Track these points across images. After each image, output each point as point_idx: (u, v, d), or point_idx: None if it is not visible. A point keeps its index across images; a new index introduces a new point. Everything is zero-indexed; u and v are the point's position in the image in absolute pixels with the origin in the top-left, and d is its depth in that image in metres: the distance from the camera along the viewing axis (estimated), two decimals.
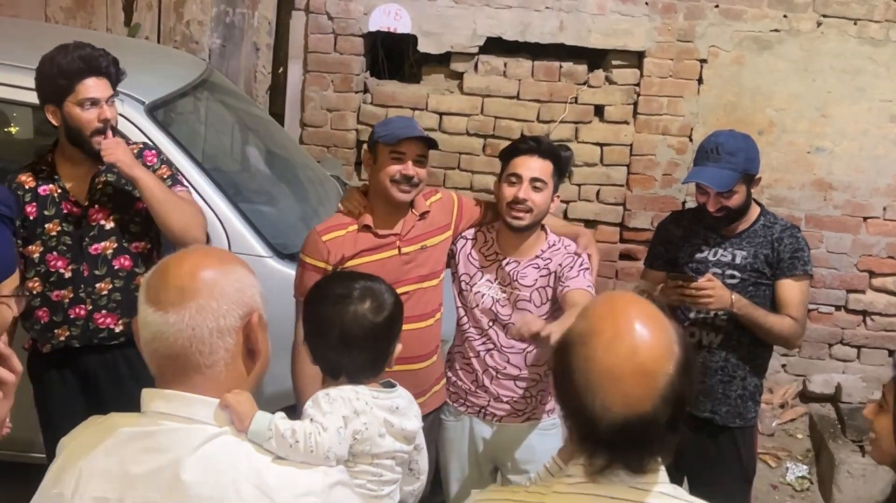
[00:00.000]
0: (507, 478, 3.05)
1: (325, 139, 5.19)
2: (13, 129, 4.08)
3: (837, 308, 5.11)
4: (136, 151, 3.00)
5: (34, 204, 2.96)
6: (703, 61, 4.97)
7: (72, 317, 2.98)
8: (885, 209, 5.01)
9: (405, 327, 2.28)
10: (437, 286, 2.95)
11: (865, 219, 5.03)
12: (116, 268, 2.99)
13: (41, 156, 3.05)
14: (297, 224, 3.85)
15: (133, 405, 1.48)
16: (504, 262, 2.95)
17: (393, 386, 2.20)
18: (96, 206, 2.98)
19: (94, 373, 3.04)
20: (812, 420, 4.88)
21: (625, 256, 5.19)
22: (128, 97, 3.33)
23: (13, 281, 2.63)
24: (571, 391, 1.40)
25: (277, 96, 5.30)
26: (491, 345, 2.96)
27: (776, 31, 4.91)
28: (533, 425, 3.01)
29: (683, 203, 5.02)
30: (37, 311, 2.98)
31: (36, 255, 2.96)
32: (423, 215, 2.92)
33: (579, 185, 5.11)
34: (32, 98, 3.00)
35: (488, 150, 5.05)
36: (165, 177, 3.02)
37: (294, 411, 2.06)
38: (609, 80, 5.05)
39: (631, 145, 5.07)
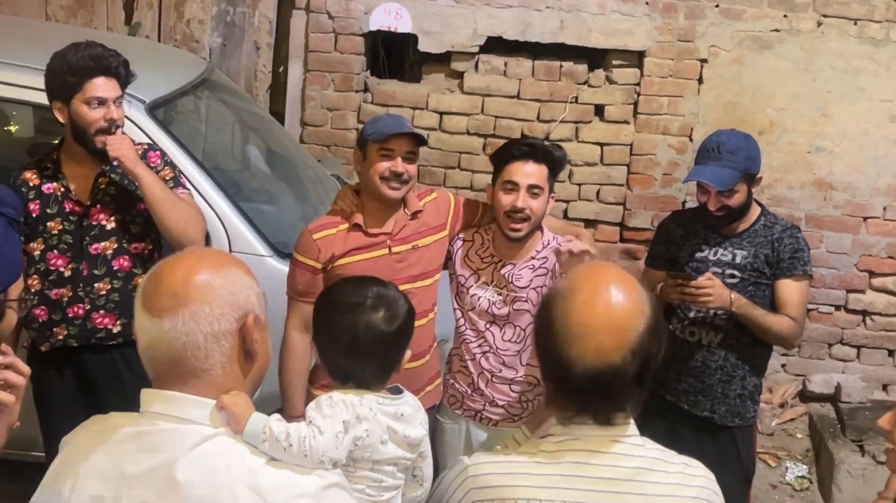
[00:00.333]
0: None
1: (325, 138, 5.19)
2: (13, 128, 4.08)
3: (837, 308, 5.11)
4: (140, 152, 2.99)
5: (37, 201, 2.96)
6: (703, 61, 4.97)
7: (70, 316, 2.98)
8: (885, 209, 5.01)
9: None
10: (430, 286, 2.93)
11: (865, 219, 5.03)
12: (115, 268, 2.99)
13: (46, 153, 3.05)
14: (297, 223, 3.83)
15: (133, 405, 1.49)
16: (500, 265, 2.94)
17: (400, 392, 2.18)
18: (98, 206, 2.98)
19: (93, 374, 3.04)
20: (812, 420, 4.88)
21: (625, 256, 5.19)
22: (128, 96, 3.33)
23: (19, 285, 2.64)
24: (551, 340, 1.53)
25: (278, 95, 5.30)
26: (487, 348, 2.96)
27: (776, 30, 4.91)
28: None
29: (683, 203, 5.02)
30: (35, 310, 2.98)
31: (37, 253, 2.96)
32: (415, 215, 2.90)
33: (579, 185, 5.11)
34: (33, 96, 3.00)
35: (488, 149, 5.03)
36: (168, 178, 3.01)
37: None
38: (609, 80, 5.04)
39: (631, 145, 5.07)
